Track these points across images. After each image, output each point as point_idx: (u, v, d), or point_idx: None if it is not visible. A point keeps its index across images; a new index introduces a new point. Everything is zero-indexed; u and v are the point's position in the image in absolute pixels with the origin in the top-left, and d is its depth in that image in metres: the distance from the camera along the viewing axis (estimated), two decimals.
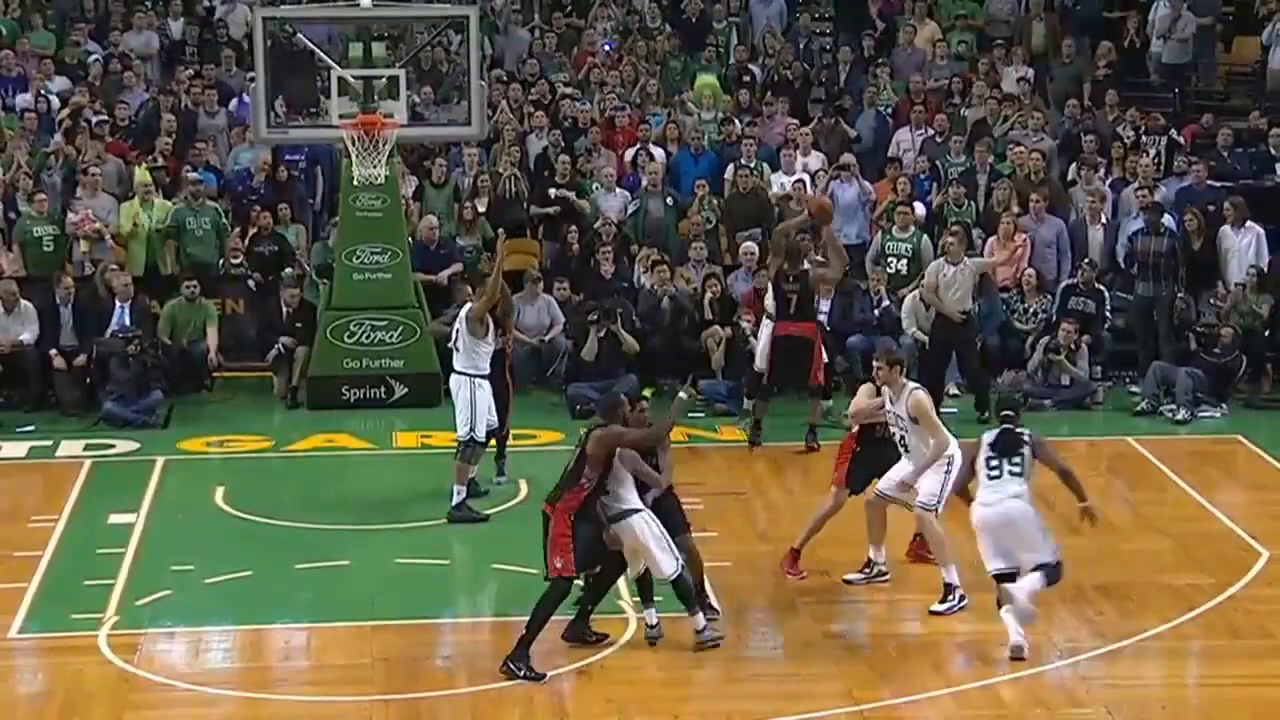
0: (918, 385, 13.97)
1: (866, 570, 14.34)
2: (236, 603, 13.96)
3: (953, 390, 19.65)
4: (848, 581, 14.29)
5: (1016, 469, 12.93)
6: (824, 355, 18.14)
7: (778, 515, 15.96)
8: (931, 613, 13.64)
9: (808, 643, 13.25)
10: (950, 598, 13.71)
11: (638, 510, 12.72)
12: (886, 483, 14.11)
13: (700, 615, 12.90)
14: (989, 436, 13.13)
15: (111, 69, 24.05)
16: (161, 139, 22.21)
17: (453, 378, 16.02)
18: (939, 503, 13.79)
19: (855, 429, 14.49)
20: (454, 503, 15.83)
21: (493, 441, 16.22)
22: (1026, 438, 13.03)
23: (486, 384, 15.79)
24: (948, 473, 13.68)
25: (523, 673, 12.33)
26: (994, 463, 12.97)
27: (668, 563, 12.66)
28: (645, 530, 12.67)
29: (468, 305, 16.05)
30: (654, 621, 13.00)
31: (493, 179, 21.78)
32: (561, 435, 18.38)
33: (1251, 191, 21.12)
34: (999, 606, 12.76)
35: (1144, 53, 25.49)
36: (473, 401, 15.71)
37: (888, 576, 14.33)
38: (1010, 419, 13.13)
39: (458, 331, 15.88)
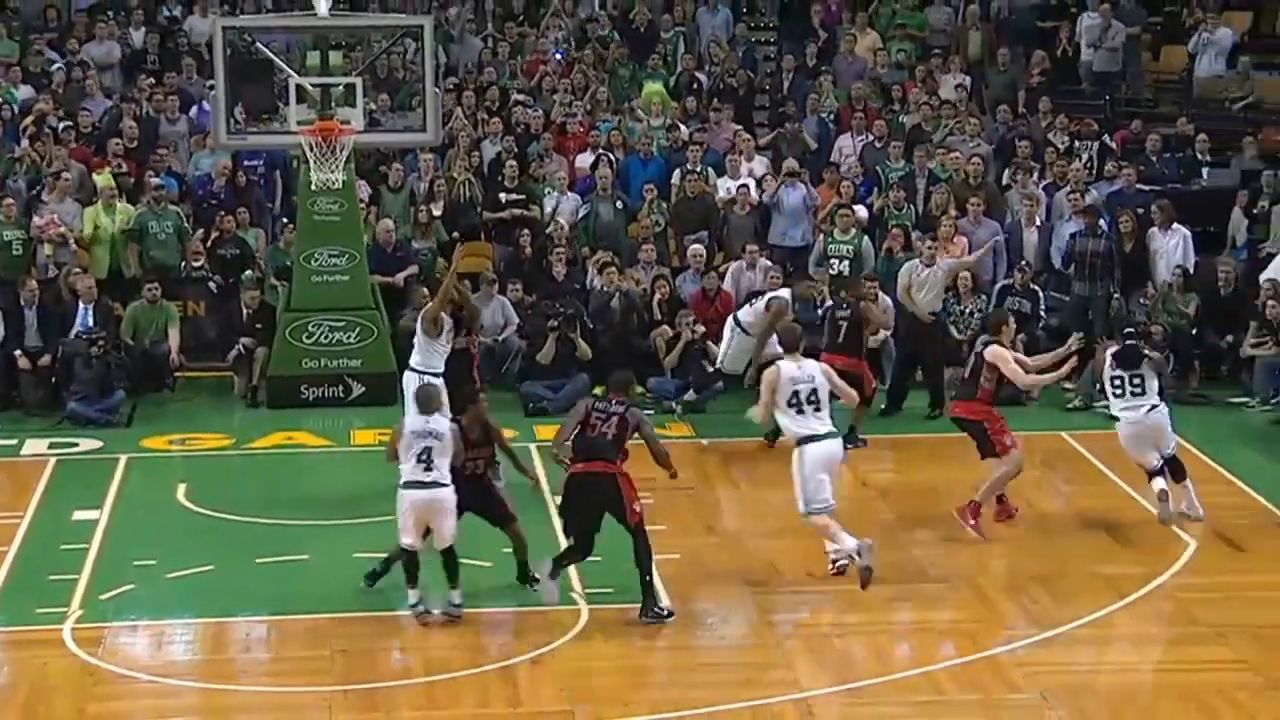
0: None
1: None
2: (198, 597, 13.89)
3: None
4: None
5: (1138, 385, 15.17)
6: (873, 383, 17.97)
7: (725, 509, 15.97)
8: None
9: (755, 632, 13.29)
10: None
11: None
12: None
13: (456, 591, 13.35)
14: (1113, 350, 15.04)
15: (74, 77, 23.90)
16: (121, 143, 22.03)
17: (406, 374, 15.99)
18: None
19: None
20: None
21: None
22: (1146, 351, 15.39)
23: (439, 381, 15.77)
24: None
25: (665, 614, 13.29)
26: (1123, 378, 15.24)
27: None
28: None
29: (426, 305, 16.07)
30: (458, 601, 13.37)
31: (448, 184, 21.75)
32: (515, 433, 18.29)
33: (1179, 195, 21.25)
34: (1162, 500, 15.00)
35: (1076, 61, 25.64)
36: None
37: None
38: (1132, 335, 15.55)
39: (413, 333, 15.93)
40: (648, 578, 13.30)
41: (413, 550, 13.27)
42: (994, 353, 15.26)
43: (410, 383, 15.79)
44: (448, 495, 13.16)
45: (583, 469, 13.36)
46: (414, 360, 15.97)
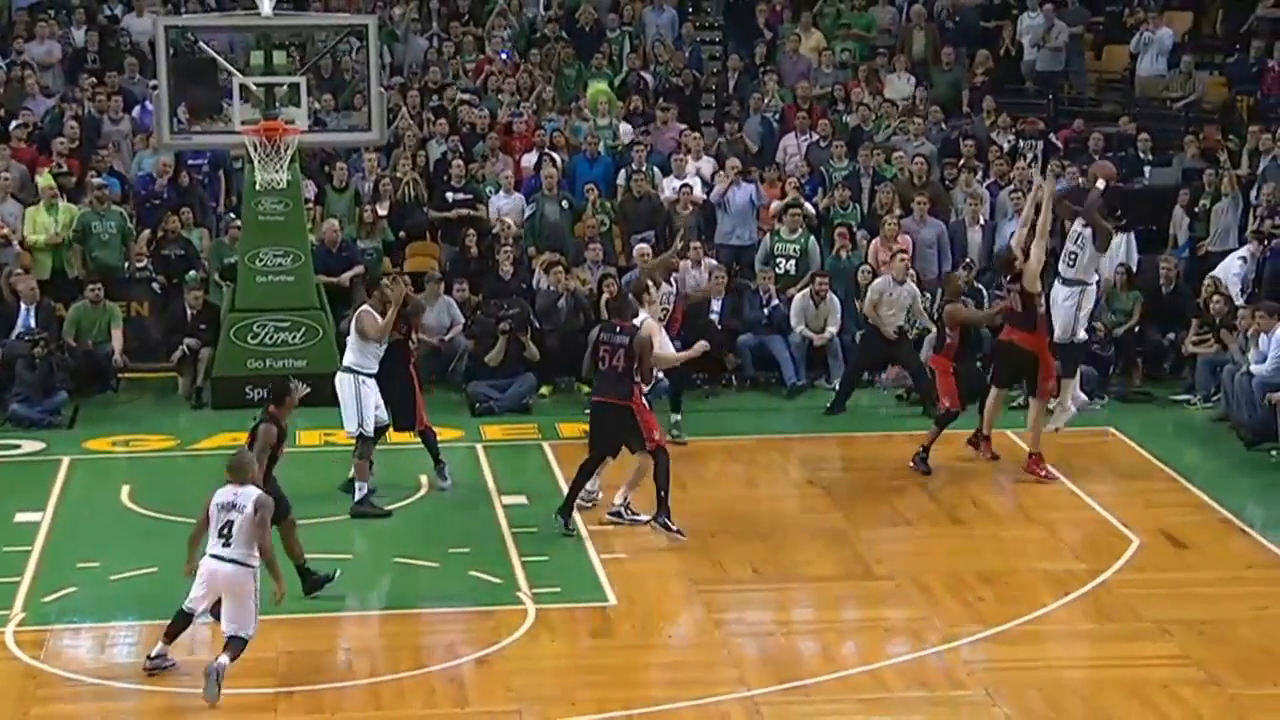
0: None
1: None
2: (142, 598, 13.77)
3: (839, 386, 19.80)
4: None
5: None
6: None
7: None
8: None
9: (702, 631, 13.29)
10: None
11: None
12: None
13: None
14: None
15: (14, 76, 23.71)
16: (64, 143, 21.87)
17: (340, 374, 15.94)
18: None
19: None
20: (357, 498, 15.76)
21: (383, 437, 16.17)
22: None
23: (373, 381, 15.76)
24: None
25: (674, 529, 14.61)
26: None
27: None
28: None
29: (365, 305, 15.98)
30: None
31: (393, 183, 21.68)
32: (461, 433, 18.31)
33: (1121, 193, 21.34)
34: None
35: (1019, 61, 25.76)
36: (359, 397, 15.69)
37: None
38: None
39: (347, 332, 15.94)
40: (663, 493, 14.75)
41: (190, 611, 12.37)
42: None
43: (344, 383, 15.76)
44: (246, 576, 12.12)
45: (599, 400, 14.92)
46: (348, 360, 15.93)
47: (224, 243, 20.67)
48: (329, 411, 18.45)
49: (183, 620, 12.33)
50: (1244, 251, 19.84)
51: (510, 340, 19.09)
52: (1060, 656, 13.07)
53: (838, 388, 19.30)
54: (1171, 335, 19.88)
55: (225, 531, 12.05)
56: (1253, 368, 17.72)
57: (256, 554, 12.08)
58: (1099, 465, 17.27)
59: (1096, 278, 16.99)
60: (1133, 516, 15.67)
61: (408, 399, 16.16)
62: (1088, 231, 16.40)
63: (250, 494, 12.13)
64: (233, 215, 21.10)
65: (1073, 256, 16.59)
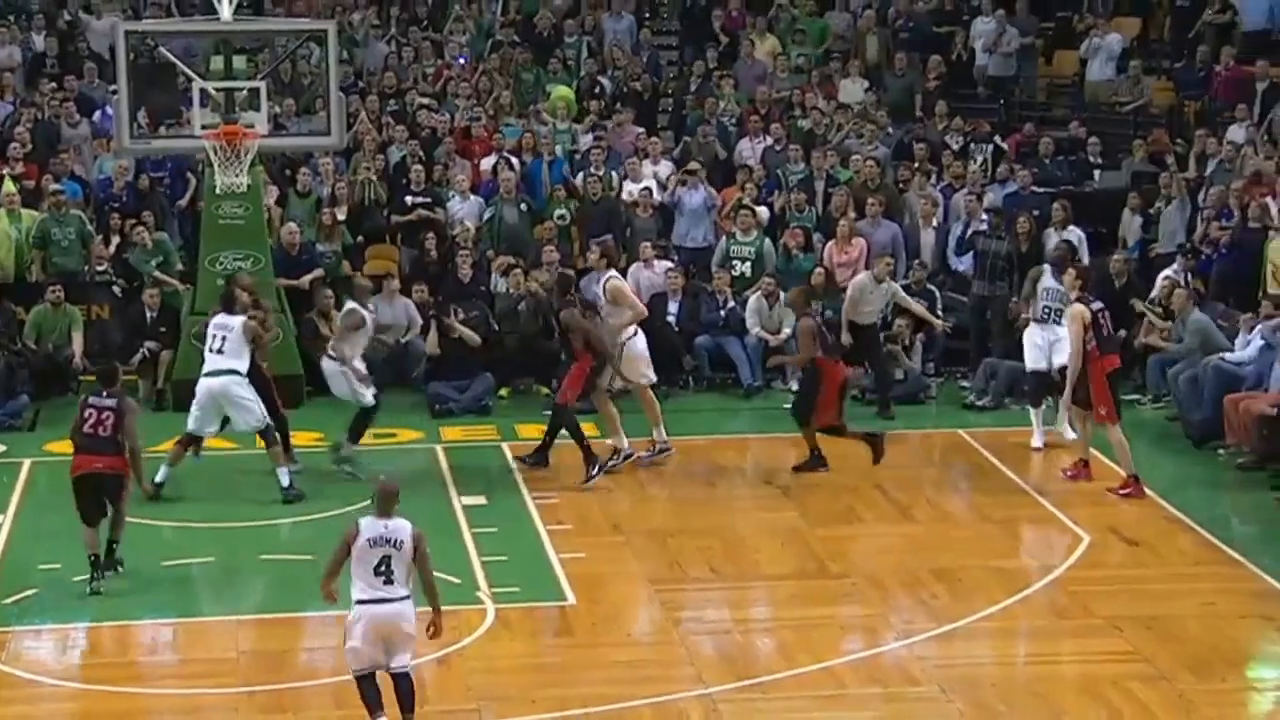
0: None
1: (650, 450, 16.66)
2: (103, 600, 13.71)
3: (794, 386, 19.82)
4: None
5: None
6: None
7: (630, 509, 15.97)
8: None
9: (660, 630, 13.29)
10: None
11: None
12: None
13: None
14: None
15: None
16: (17, 148, 21.73)
17: (235, 380, 16.06)
18: None
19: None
20: (285, 485, 16.05)
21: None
22: None
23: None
24: None
25: (596, 469, 16.07)
26: None
27: None
28: None
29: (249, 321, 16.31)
30: None
31: (353, 187, 21.63)
32: (421, 434, 18.28)
33: (1071, 196, 21.45)
34: None
35: (971, 66, 25.85)
36: (255, 397, 16.12)
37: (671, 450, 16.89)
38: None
39: (223, 338, 16.13)
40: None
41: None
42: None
43: (240, 385, 16.06)
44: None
45: None
46: (239, 366, 16.15)
47: (140, 250, 20.51)
48: (290, 414, 18.51)
49: (374, 683, 11.07)
50: (1173, 269, 19.85)
51: (441, 328, 19.22)
52: (1013, 652, 13.15)
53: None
54: (1122, 331, 19.84)
55: (383, 570, 10.88)
56: (1229, 356, 17.77)
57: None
58: (1051, 464, 17.33)
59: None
60: (1084, 515, 15.74)
61: (267, 392, 16.43)
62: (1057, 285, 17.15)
63: (404, 528, 11.00)
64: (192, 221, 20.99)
65: (1047, 310, 17.52)
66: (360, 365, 16.77)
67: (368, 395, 16.75)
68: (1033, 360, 17.73)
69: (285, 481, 16.13)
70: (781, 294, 19.97)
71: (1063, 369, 16.79)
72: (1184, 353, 18.24)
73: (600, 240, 18.59)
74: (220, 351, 16.20)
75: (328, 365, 16.91)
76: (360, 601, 10.88)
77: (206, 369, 16.34)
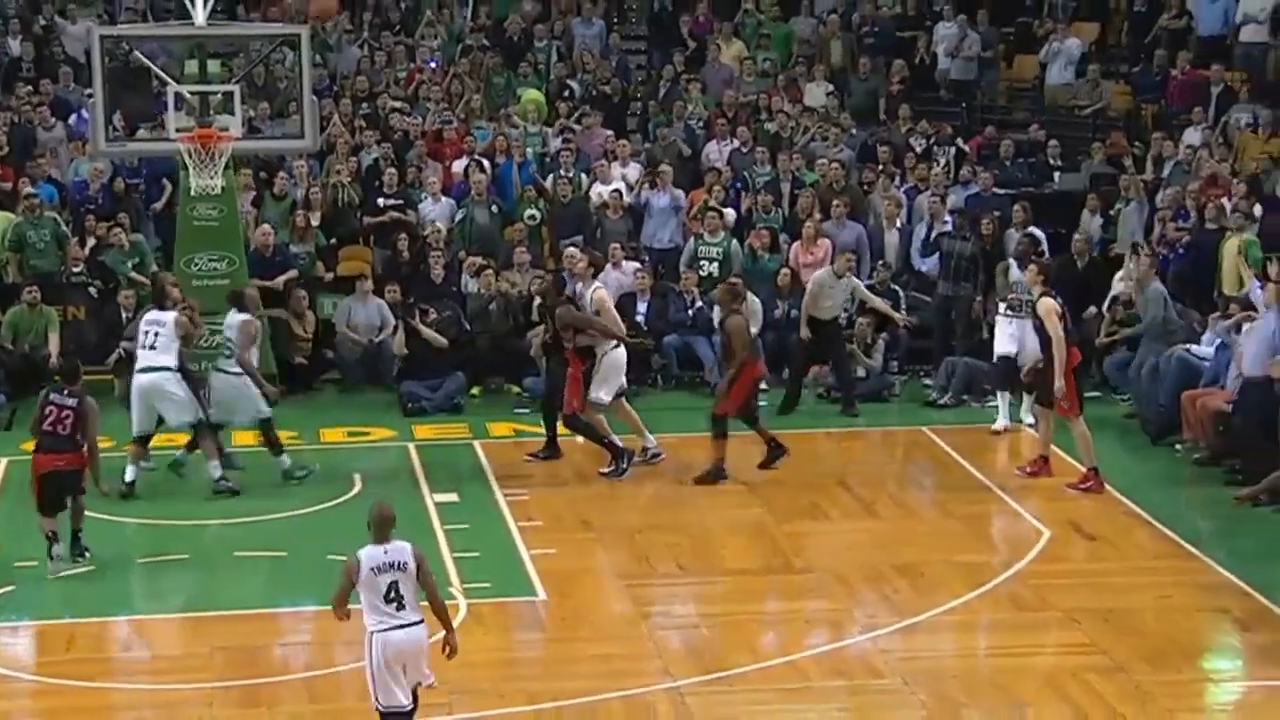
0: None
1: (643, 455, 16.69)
2: (79, 597, 13.68)
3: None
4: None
5: None
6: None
7: (600, 506, 15.96)
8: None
9: (629, 624, 13.29)
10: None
11: None
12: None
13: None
14: None
15: None
16: None
17: (165, 376, 16.02)
18: None
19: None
20: (216, 478, 16.07)
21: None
22: None
23: None
24: None
25: (626, 463, 16.47)
26: None
27: None
28: None
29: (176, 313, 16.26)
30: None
31: (324, 189, 21.59)
32: (394, 432, 18.26)
33: (1031, 198, 21.51)
34: None
35: (933, 70, 25.91)
36: (191, 391, 16.16)
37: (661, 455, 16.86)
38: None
39: (156, 334, 16.09)
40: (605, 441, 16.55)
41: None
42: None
43: (178, 381, 16.02)
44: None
45: None
46: (171, 361, 16.09)
47: (116, 251, 20.45)
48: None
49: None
50: (1120, 275, 19.91)
51: (409, 330, 19.20)
52: (975, 645, 13.19)
53: (785, 392, 19.27)
54: (1093, 309, 19.84)
55: (393, 595, 10.26)
56: (1195, 349, 17.80)
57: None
58: (1011, 460, 17.38)
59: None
60: (1043, 510, 15.79)
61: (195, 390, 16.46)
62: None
63: (404, 549, 10.34)
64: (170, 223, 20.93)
65: (1019, 303, 17.69)
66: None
67: (266, 406, 16.43)
68: (1002, 347, 17.80)
69: (216, 475, 16.08)
70: (751, 294, 19.97)
71: (1030, 367, 16.85)
72: (1143, 330, 18.24)
73: (588, 250, 18.56)
74: (153, 348, 16.12)
75: (223, 379, 16.40)
76: (376, 632, 10.28)
77: (139, 366, 16.26)
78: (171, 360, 16.12)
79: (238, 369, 16.35)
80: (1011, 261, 18.33)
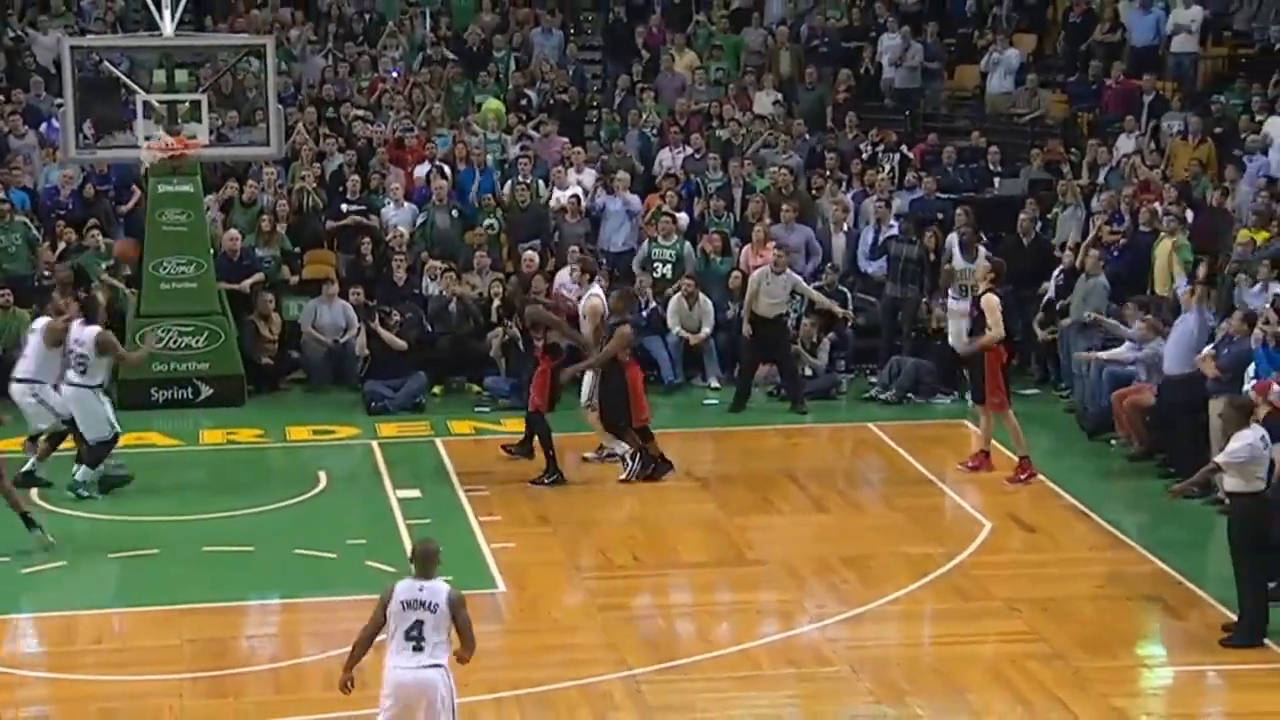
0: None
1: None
2: (51, 591, 13.62)
3: (714, 384, 19.93)
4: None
5: None
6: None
7: (558, 501, 15.94)
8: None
9: (585, 615, 13.29)
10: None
11: None
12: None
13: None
14: None
15: None
16: None
17: (80, 390, 15.62)
18: None
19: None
20: (35, 473, 15.94)
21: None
22: None
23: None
24: None
25: (552, 478, 15.93)
26: None
27: None
28: None
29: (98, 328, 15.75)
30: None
31: (291, 195, 21.51)
32: (358, 430, 18.21)
33: (972, 202, 21.57)
34: None
35: (879, 79, 25.97)
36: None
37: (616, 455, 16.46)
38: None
39: (76, 354, 15.60)
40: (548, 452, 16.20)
41: None
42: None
43: (89, 398, 15.61)
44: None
45: None
46: (88, 381, 15.62)
47: (91, 254, 20.32)
48: (230, 413, 18.49)
49: None
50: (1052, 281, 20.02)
51: (370, 333, 19.17)
52: (919, 634, 13.22)
53: (735, 390, 19.26)
54: (1044, 285, 19.83)
55: (414, 634, 9.62)
56: (1117, 352, 17.84)
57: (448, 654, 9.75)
58: (954, 455, 17.42)
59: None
60: (985, 503, 15.86)
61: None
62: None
63: (440, 591, 9.77)
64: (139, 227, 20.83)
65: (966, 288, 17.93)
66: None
67: (110, 428, 15.79)
68: (954, 336, 17.90)
69: (86, 477, 15.79)
70: (703, 295, 20.01)
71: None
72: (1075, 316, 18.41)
73: (581, 257, 18.58)
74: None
75: (73, 391, 15.69)
76: (389, 668, 9.65)
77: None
78: (83, 378, 15.53)
79: (88, 381, 15.68)
80: (955, 249, 18.52)
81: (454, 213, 21.48)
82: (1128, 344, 17.68)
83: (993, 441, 16.78)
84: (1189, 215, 20.04)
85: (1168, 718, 11.73)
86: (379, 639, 9.85)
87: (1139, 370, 17.45)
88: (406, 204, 21.63)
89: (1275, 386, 14.21)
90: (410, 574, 9.77)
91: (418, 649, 9.56)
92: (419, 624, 9.58)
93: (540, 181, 22.09)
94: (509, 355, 19.46)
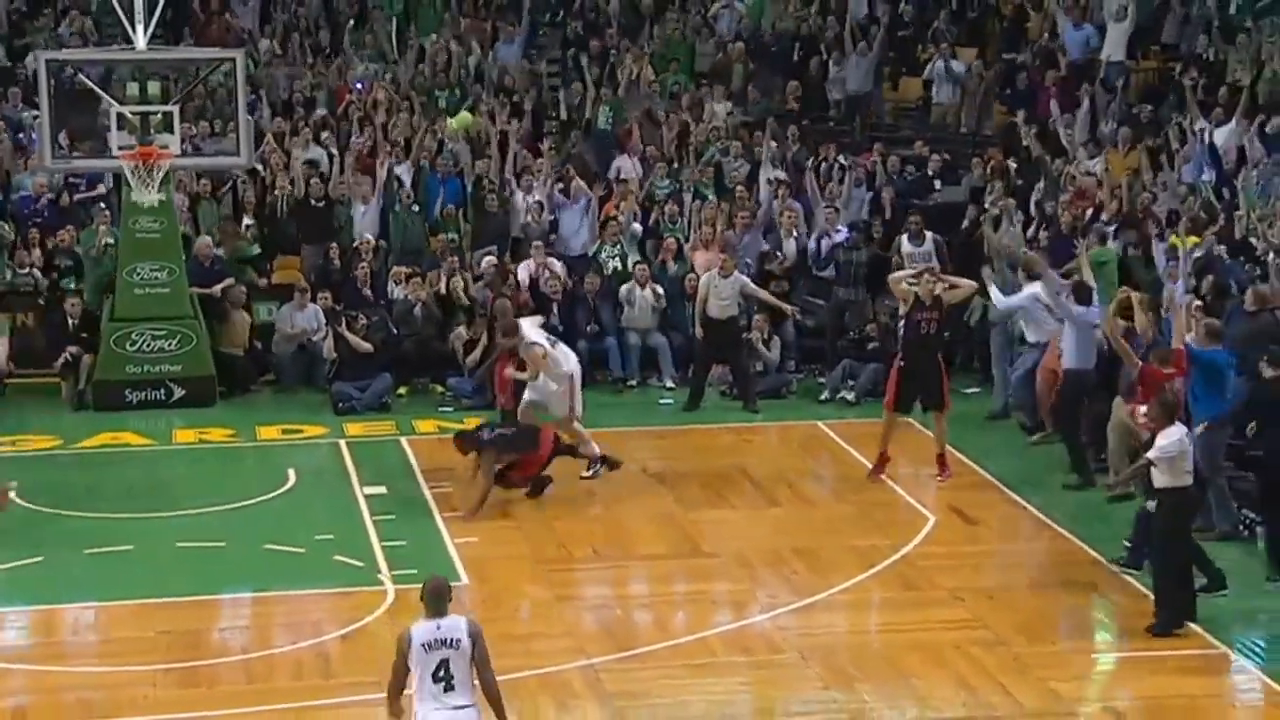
0: None
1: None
2: (29, 586, 13.54)
3: (668, 383, 19.95)
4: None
5: None
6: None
7: (520, 497, 15.94)
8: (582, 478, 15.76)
9: (545, 606, 13.30)
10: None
11: None
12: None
13: None
14: None
15: None
16: None
17: None
18: None
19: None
20: None
21: None
22: None
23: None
24: None
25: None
26: None
27: None
28: None
29: None
30: None
31: (259, 203, 21.40)
32: (325, 429, 18.17)
33: (917, 209, 21.66)
34: None
35: (826, 90, 26.00)
36: None
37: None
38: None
39: None
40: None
41: None
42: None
43: None
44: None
45: None
46: None
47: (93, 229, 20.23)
48: (202, 413, 18.42)
49: None
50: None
51: (337, 336, 19.13)
52: (866, 622, 13.28)
53: (690, 390, 19.26)
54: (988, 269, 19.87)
55: (443, 675, 9.08)
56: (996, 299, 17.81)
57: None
58: (899, 452, 17.43)
59: None
60: (929, 497, 15.95)
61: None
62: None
63: (459, 626, 9.24)
64: (103, 204, 20.70)
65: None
66: None
67: None
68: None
69: None
70: (652, 284, 20.05)
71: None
72: (999, 317, 18.55)
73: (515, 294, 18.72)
74: None
75: None
76: (424, 716, 9.06)
77: None
78: None
79: None
80: (903, 240, 19.37)
81: (414, 207, 21.36)
82: (1040, 284, 17.36)
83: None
84: (1111, 229, 20.01)
85: (1102, 700, 11.82)
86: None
87: (1036, 311, 17.34)
88: (371, 204, 21.47)
89: (1141, 410, 14.20)
90: (423, 615, 9.24)
91: (448, 689, 9.04)
92: (444, 663, 9.06)
93: (504, 189, 21.99)
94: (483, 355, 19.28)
